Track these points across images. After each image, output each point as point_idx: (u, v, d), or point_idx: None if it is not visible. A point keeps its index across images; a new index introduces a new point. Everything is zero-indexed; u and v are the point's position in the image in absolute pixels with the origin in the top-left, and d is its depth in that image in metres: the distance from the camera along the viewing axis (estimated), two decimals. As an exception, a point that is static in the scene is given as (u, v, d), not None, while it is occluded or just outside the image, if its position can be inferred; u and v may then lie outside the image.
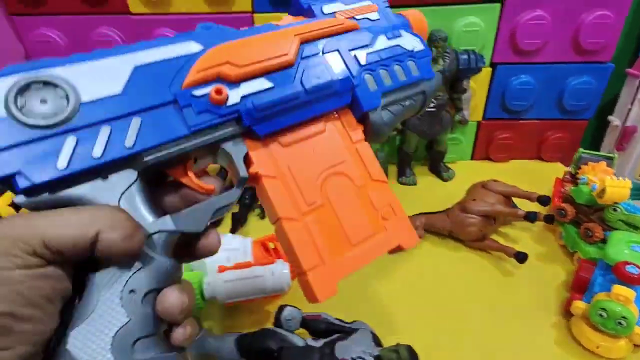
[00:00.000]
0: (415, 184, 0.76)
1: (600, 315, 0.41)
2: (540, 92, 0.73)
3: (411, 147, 0.75)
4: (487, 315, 0.50)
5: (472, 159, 0.84)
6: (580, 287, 0.47)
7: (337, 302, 0.47)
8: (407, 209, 0.28)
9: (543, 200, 0.55)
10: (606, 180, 0.49)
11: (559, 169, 0.78)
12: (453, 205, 0.61)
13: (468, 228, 0.57)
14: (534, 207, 0.58)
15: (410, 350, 0.39)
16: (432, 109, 0.69)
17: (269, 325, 0.44)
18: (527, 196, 0.58)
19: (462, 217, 0.58)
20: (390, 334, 0.45)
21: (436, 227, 0.61)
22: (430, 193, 0.73)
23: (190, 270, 0.45)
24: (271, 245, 0.50)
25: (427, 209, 0.63)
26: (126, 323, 0.17)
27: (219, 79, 0.22)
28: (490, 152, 0.82)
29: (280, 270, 0.44)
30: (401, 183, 0.75)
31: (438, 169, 0.78)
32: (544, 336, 0.47)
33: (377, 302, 0.52)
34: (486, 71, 0.72)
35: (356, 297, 0.53)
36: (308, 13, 0.28)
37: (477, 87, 0.74)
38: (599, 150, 0.78)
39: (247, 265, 0.45)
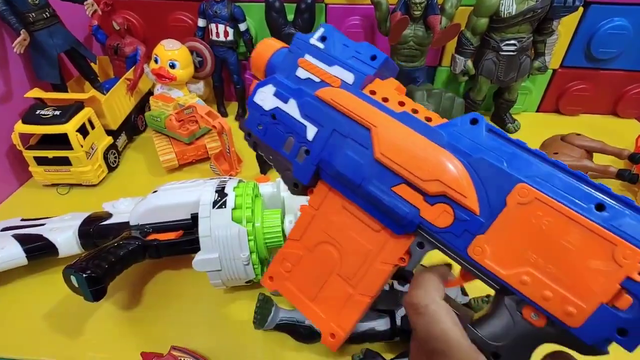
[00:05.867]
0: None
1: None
2: (634, 40, 0.66)
3: (480, 95, 0.70)
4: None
5: (537, 111, 0.79)
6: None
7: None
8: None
9: (637, 158, 0.51)
10: None
11: (634, 127, 0.73)
12: (530, 158, 0.58)
13: (547, 183, 0.54)
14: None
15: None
16: (512, 53, 0.63)
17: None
18: (617, 153, 0.54)
19: (542, 171, 0.54)
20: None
21: (509, 180, 0.58)
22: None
23: (265, 209, 0.44)
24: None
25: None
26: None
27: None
28: (560, 104, 0.76)
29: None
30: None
31: (503, 120, 0.73)
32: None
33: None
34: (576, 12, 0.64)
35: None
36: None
37: (562, 29, 0.67)
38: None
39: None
